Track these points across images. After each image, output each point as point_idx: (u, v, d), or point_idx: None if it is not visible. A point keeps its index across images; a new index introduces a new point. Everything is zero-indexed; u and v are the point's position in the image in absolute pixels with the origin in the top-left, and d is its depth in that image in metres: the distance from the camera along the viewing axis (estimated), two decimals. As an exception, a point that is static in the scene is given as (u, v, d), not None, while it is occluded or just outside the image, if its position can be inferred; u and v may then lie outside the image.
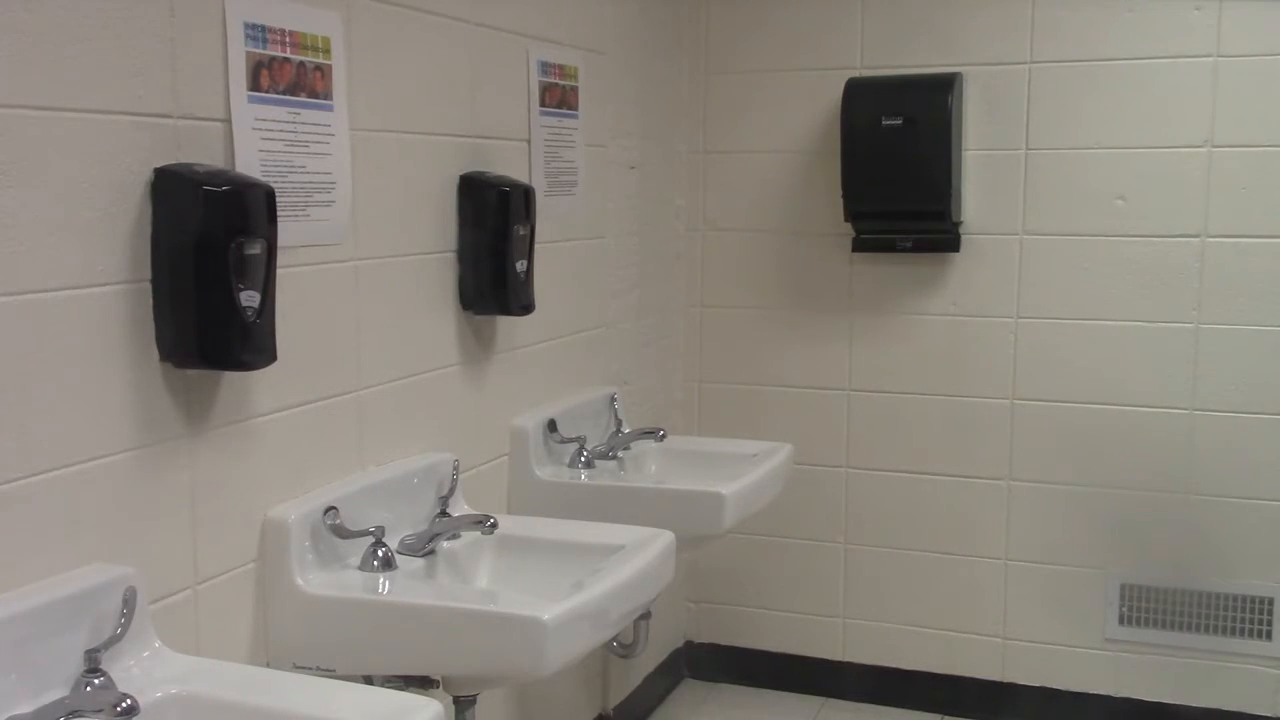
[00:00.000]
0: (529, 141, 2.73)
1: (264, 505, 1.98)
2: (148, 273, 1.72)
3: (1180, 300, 3.27)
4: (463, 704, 2.13)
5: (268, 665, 1.97)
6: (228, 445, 1.90)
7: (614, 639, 2.28)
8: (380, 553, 2.08)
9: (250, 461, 1.95)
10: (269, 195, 1.80)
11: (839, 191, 3.37)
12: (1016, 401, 3.44)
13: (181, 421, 1.80)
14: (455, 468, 2.34)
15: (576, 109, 2.92)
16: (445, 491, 2.31)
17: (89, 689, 1.54)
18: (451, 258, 2.47)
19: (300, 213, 2.01)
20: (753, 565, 3.74)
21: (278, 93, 1.95)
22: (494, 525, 2.19)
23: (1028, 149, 3.36)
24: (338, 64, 2.08)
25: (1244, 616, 3.31)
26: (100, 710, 1.47)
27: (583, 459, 2.82)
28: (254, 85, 1.90)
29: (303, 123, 2.01)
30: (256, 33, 1.90)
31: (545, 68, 2.77)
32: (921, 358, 3.47)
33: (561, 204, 2.88)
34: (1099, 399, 3.37)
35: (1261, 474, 3.26)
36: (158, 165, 1.72)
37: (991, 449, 3.47)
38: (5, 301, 1.52)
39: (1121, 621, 3.42)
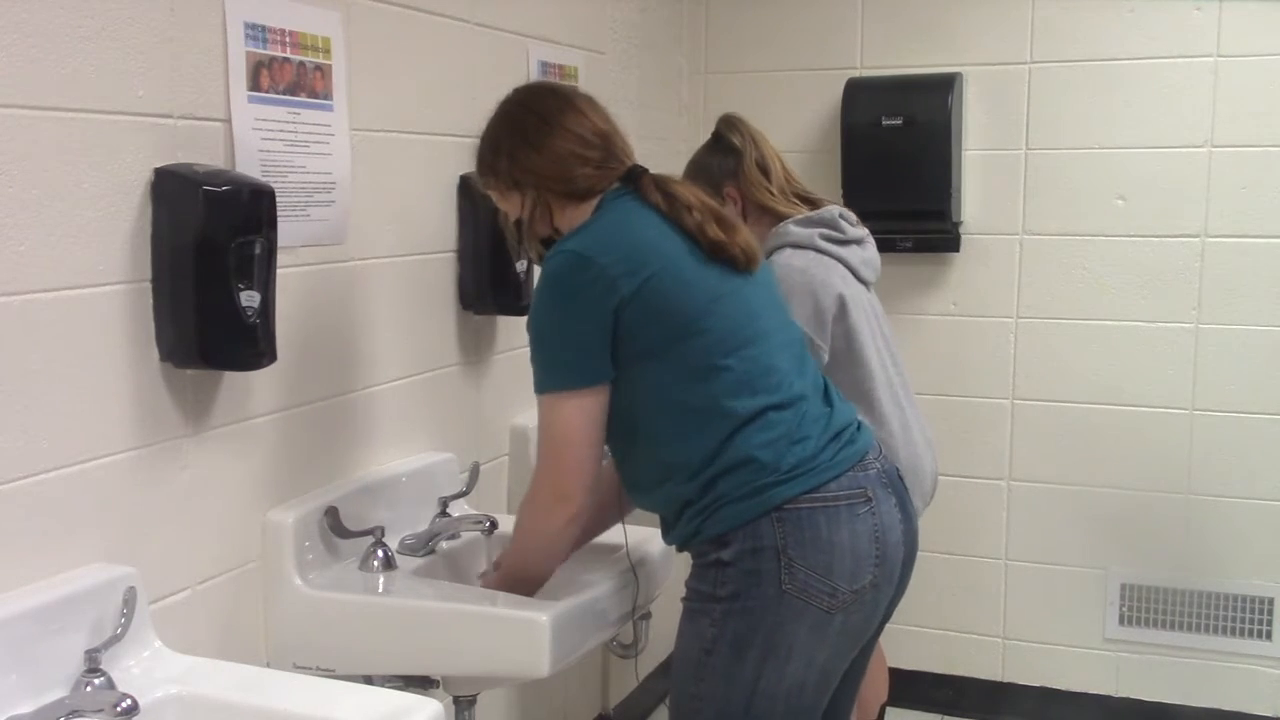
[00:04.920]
0: (529, 141, 2.72)
1: (264, 505, 1.98)
2: (148, 273, 1.72)
3: (1180, 300, 3.27)
4: (463, 704, 2.13)
5: (268, 665, 1.97)
6: (228, 445, 1.90)
7: (614, 639, 2.28)
8: (380, 553, 2.08)
9: (250, 461, 1.95)
10: (269, 195, 1.80)
11: (839, 191, 3.36)
12: (1016, 401, 3.44)
13: (181, 421, 1.80)
14: (475, 469, 2.37)
15: (576, 109, 2.91)
16: (461, 490, 2.33)
17: (89, 689, 1.54)
18: (451, 258, 2.47)
19: (300, 213, 2.01)
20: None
21: (278, 93, 1.95)
22: (494, 525, 2.19)
23: (1028, 149, 3.36)
24: (338, 64, 2.08)
25: (1244, 616, 3.31)
26: (100, 710, 1.47)
27: (583, 459, 2.81)
28: (254, 85, 1.90)
29: (303, 123, 2.01)
30: (256, 33, 1.90)
31: (545, 68, 2.77)
32: (921, 358, 3.46)
33: (561, 204, 2.87)
34: (1099, 399, 3.37)
35: (1261, 474, 3.26)
36: (158, 165, 1.72)
37: (991, 449, 3.47)
38: (6, 301, 1.52)
39: (1121, 621, 3.42)
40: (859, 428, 1.96)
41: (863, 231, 2.55)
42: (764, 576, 1.81)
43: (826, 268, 2.43)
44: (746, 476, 1.82)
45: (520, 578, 2.00)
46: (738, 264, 1.89)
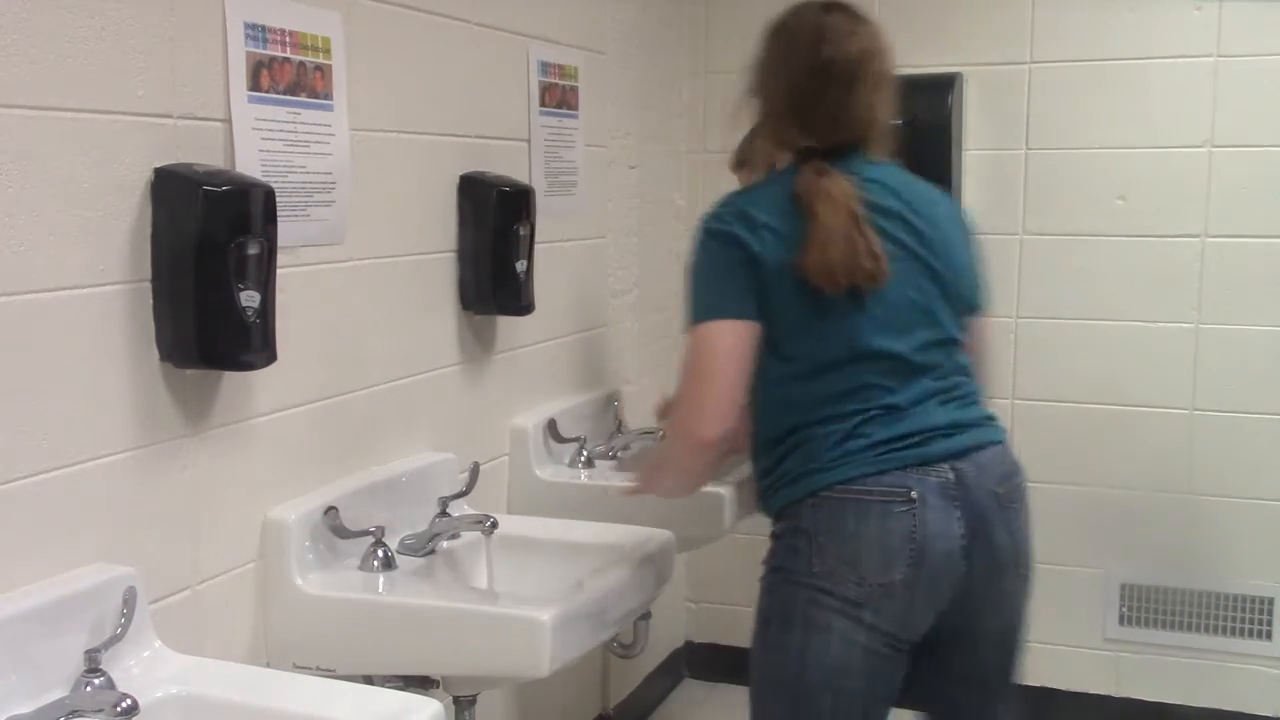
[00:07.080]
0: (529, 141, 2.73)
1: (264, 505, 1.98)
2: (148, 273, 1.72)
3: (1180, 300, 3.27)
4: (463, 704, 2.13)
5: (268, 665, 1.97)
6: (228, 445, 1.90)
7: (614, 639, 2.28)
8: (380, 553, 2.08)
9: (250, 461, 1.95)
10: (269, 195, 1.80)
11: (839, 191, 3.37)
12: (1016, 401, 3.44)
13: (181, 421, 1.80)
14: (475, 469, 2.36)
15: (576, 109, 2.92)
16: (461, 490, 2.33)
17: (89, 689, 1.53)
18: (451, 258, 2.47)
19: (300, 213, 2.01)
20: (752, 565, 3.72)
21: (278, 93, 1.95)
22: (494, 525, 2.19)
23: (1028, 149, 3.36)
24: (338, 64, 2.08)
25: (1244, 616, 3.31)
26: (100, 710, 1.47)
27: (582, 459, 2.82)
28: (254, 85, 1.90)
29: (303, 123, 2.01)
30: (256, 33, 1.90)
31: (545, 67, 2.77)
32: (921, 358, 3.46)
33: (561, 204, 2.88)
34: (1099, 399, 3.37)
35: (1261, 474, 3.26)
36: (158, 165, 1.72)
37: (991, 449, 3.47)
38: (5, 301, 1.52)
39: (1121, 621, 3.42)
40: (949, 435, 1.91)
41: None
42: (800, 555, 1.91)
43: None
44: (800, 460, 1.92)
45: (653, 486, 2.15)
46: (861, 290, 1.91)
